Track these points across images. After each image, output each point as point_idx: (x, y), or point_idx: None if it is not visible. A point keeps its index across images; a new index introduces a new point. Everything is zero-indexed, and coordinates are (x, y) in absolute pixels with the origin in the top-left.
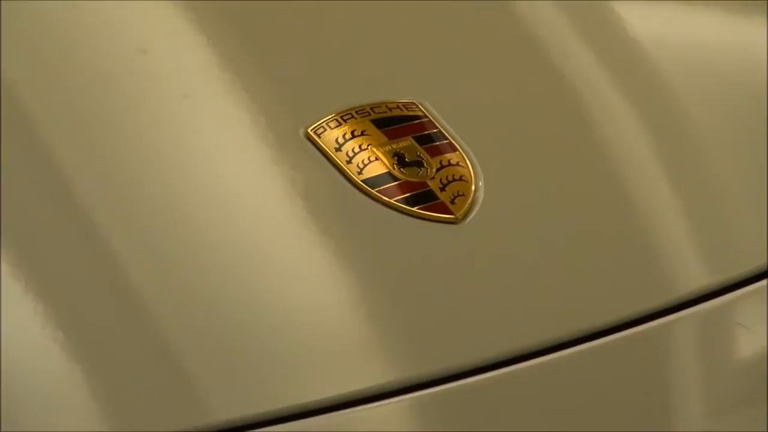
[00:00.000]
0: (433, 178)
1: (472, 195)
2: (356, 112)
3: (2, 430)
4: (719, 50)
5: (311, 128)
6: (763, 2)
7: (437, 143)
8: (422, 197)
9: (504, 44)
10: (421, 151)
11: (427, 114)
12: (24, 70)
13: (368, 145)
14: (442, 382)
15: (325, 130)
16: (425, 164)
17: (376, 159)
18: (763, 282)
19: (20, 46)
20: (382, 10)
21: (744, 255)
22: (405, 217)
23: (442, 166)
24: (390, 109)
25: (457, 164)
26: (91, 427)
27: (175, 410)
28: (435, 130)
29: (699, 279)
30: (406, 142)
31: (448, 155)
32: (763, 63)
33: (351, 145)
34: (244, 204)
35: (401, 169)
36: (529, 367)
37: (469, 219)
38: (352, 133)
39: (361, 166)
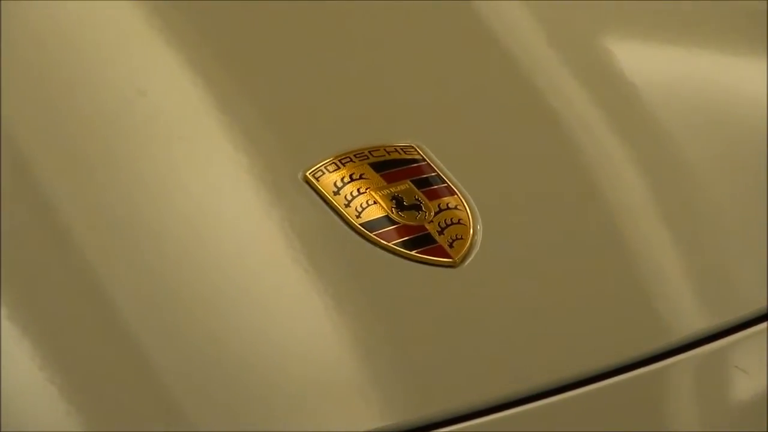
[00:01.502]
0: (432, 221)
1: (470, 238)
2: (354, 155)
3: (2, 430)
4: (717, 91)
5: (309, 171)
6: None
7: (435, 186)
8: (420, 241)
9: (502, 88)
10: (420, 195)
11: (425, 157)
12: (27, 110)
13: (367, 189)
14: (438, 426)
15: (324, 173)
16: (423, 208)
17: (375, 202)
18: (762, 326)
19: (23, 85)
20: (379, 51)
21: (742, 298)
22: (403, 260)
23: (441, 210)
24: (388, 153)
25: (456, 207)
26: None
27: None
28: (433, 174)
29: (696, 323)
30: (405, 186)
31: (447, 198)
32: (763, 103)
33: (349, 189)
34: (243, 246)
35: (400, 213)
36: (526, 411)
37: (467, 263)
38: (350, 176)
39: (360, 209)
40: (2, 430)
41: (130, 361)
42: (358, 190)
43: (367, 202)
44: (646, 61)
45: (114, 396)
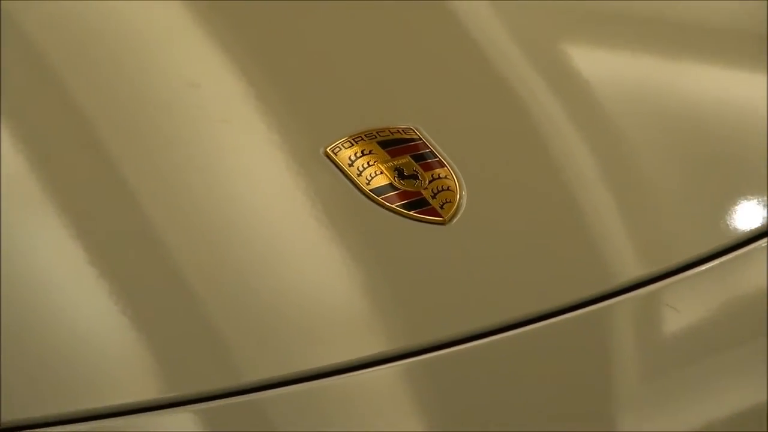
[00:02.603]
0: (426, 188)
1: (457, 202)
2: (365, 135)
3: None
4: (665, 91)
5: (329, 148)
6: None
7: (429, 161)
8: (417, 204)
9: (482, 81)
10: (417, 167)
11: (421, 137)
12: (97, 100)
13: (375, 162)
14: (428, 351)
15: (340, 149)
16: (420, 177)
17: (381, 173)
18: (689, 272)
19: (94, 78)
20: (385, 50)
21: (672, 250)
22: (403, 219)
23: (433, 179)
24: (392, 133)
25: (445, 177)
26: (147, 388)
27: (218, 372)
28: (427, 150)
29: (634, 270)
30: (405, 160)
31: (438, 170)
32: (698, 98)
33: (361, 162)
34: (276, 208)
35: (401, 181)
36: (496, 341)
37: (454, 222)
38: (362, 152)
39: (369, 178)
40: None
41: (194, 298)
42: (367, 162)
43: (375, 172)
44: (608, 64)
45: (178, 324)
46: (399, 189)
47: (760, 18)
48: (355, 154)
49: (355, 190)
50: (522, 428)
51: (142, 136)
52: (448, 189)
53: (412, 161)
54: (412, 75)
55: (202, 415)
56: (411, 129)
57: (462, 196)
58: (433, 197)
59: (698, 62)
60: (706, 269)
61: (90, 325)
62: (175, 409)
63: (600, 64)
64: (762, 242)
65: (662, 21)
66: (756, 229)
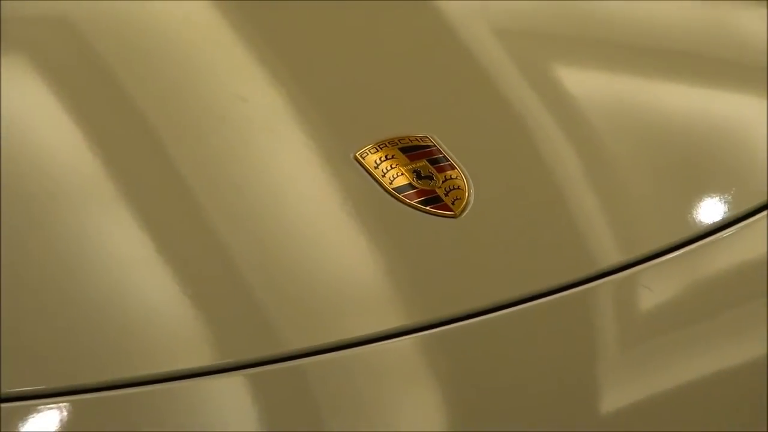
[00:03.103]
0: (440, 187)
1: (466, 199)
2: (388, 142)
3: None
4: (642, 108)
5: (358, 153)
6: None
7: (442, 164)
8: (432, 200)
9: (488, 96)
10: (432, 169)
11: (436, 144)
12: (161, 112)
13: (396, 165)
14: (440, 325)
15: (368, 154)
16: (434, 178)
17: (402, 174)
18: (661, 258)
19: (157, 93)
20: (406, 69)
21: (646, 239)
22: (420, 213)
23: (446, 180)
24: (411, 141)
25: (456, 178)
26: (200, 354)
27: (263, 342)
28: (441, 155)
29: (615, 256)
30: (422, 163)
31: (450, 172)
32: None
33: (385, 165)
34: (314, 203)
35: (418, 181)
36: (498, 316)
37: (463, 216)
38: (385, 156)
39: (392, 178)
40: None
41: (244, 279)
42: (390, 165)
43: (396, 173)
44: (595, 84)
45: (230, 301)
46: (417, 188)
47: (731, 44)
48: (380, 158)
49: (380, 189)
50: (518, 386)
51: (200, 142)
52: (458, 188)
53: (428, 164)
54: (428, 90)
55: (250, 380)
56: (427, 137)
57: (470, 194)
58: (446, 195)
59: (672, 83)
60: (676, 256)
61: (153, 302)
62: (225, 374)
63: (588, 84)
64: (723, 233)
65: (643, 47)
66: (718, 221)
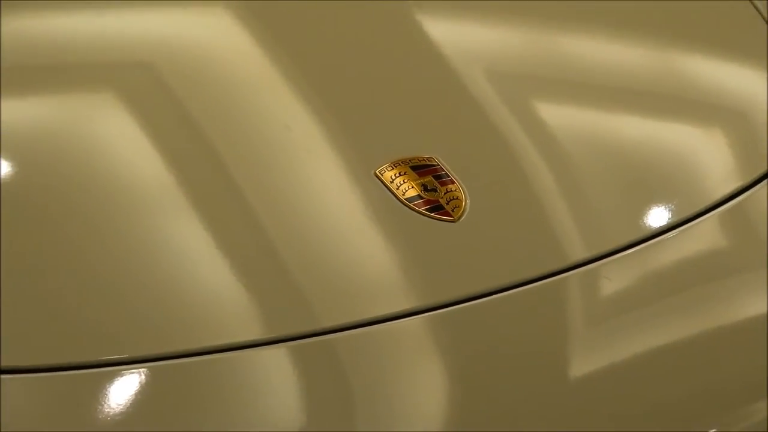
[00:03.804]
0: (442, 198)
1: (462, 208)
2: (401, 161)
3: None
4: (610, 134)
5: (377, 170)
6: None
7: (444, 179)
8: (436, 208)
9: (481, 124)
10: (436, 183)
11: (439, 163)
12: (225, 137)
13: (407, 180)
14: (443, 307)
15: (385, 171)
16: (438, 190)
17: (412, 187)
18: (619, 254)
19: (222, 120)
20: (417, 99)
21: (607, 239)
22: (427, 218)
23: (447, 192)
24: (419, 160)
25: (455, 191)
26: (250, 329)
27: (301, 319)
28: (443, 172)
29: (582, 253)
30: (428, 178)
31: (450, 186)
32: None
33: (399, 179)
34: (343, 210)
35: (425, 193)
36: (488, 301)
37: (461, 221)
38: (399, 173)
39: (404, 191)
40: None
41: (286, 268)
42: (403, 180)
43: (408, 187)
44: (569, 111)
45: (275, 287)
46: (424, 198)
47: (679, 84)
48: (395, 174)
49: (395, 199)
50: (505, 354)
51: (256, 160)
52: (457, 198)
53: (433, 179)
54: (434, 119)
55: (289, 351)
56: (432, 158)
57: (466, 203)
58: (447, 204)
59: (631, 115)
60: (630, 252)
61: (214, 288)
62: (269, 346)
63: (564, 115)
64: (668, 234)
65: (610, 87)
66: (664, 225)
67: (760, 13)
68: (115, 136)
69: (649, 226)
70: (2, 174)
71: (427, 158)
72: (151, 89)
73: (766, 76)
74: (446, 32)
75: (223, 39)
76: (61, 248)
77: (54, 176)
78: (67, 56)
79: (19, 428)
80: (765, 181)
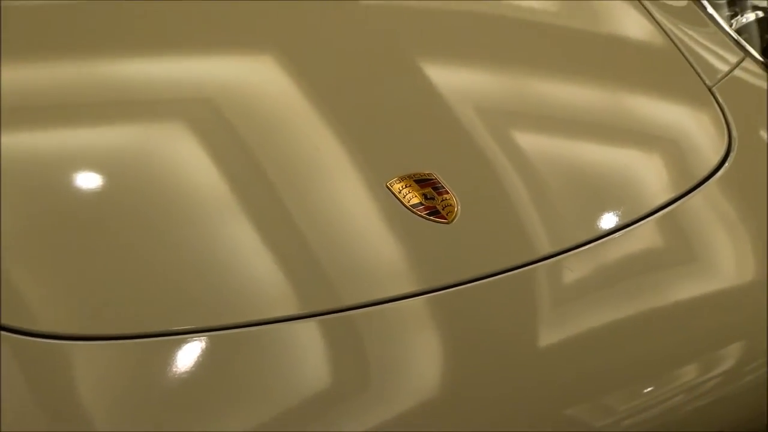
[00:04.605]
0: (439, 204)
1: (455, 213)
2: (407, 176)
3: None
4: (574, 153)
5: (388, 183)
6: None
7: (440, 190)
8: (434, 213)
9: (471, 147)
10: (434, 194)
11: (437, 178)
12: (263, 154)
13: (412, 190)
14: (439, 290)
15: (394, 183)
16: (436, 199)
17: (415, 196)
18: (579, 249)
19: (267, 144)
20: (420, 127)
21: (569, 236)
22: (426, 221)
23: (443, 200)
24: (421, 175)
25: (450, 199)
26: (285, 306)
27: (325, 298)
28: (440, 185)
29: (548, 248)
30: (428, 189)
31: (445, 195)
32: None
33: (405, 190)
34: (361, 213)
35: (426, 201)
36: (476, 285)
37: (453, 223)
38: (405, 185)
39: (409, 199)
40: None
41: (316, 259)
42: (408, 191)
43: (412, 196)
44: (539, 133)
45: (306, 272)
46: (425, 205)
47: (626, 115)
48: (402, 186)
49: (402, 205)
50: (489, 329)
51: (293, 174)
52: (450, 205)
53: (432, 190)
54: (433, 143)
55: (318, 324)
56: (431, 173)
57: (458, 209)
58: (443, 209)
59: (591, 140)
60: (588, 248)
61: (258, 273)
62: (303, 320)
63: (535, 138)
64: (616, 234)
65: (571, 118)
66: (614, 227)
67: (687, 59)
68: (187, 156)
69: (601, 227)
70: (107, 185)
71: (427, 173)
72: (214, 119)
73: (689, 111)
74: (443, 77)
75: (267, 80)
76: (148, 244)
77: (145, 185)
78: (151, 94)
79: (101, 386)
80: (691, 193)
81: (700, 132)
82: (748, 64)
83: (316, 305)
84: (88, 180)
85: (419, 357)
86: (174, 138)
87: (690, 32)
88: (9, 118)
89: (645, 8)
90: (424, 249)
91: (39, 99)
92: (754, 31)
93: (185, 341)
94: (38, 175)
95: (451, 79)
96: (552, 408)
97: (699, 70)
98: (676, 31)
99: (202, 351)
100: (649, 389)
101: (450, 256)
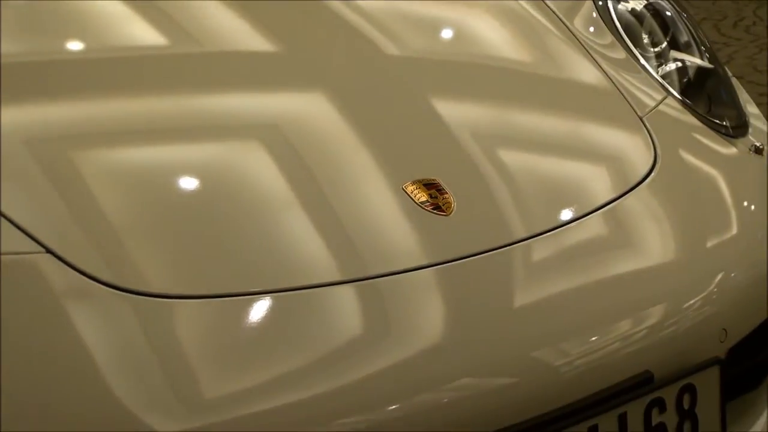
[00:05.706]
0: (441, 202)
1: (453, 208)
2: (417, 181)
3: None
4: (550, 164)
5: (403, 186)
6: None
7: (442, 191)
8: (437, 208)
9: (466, 158)
10: (437, 194)
11: (440, 182)
12: (311, 161)
13: (421, 191)
14: (442, 263)
15: (408, 186)
16: (438, 198)
17: (423, 196)
18: (548, 233)
19: (310, 156)
20: (426, 142)
21: (536, 224)
22: (431, 214)
23: (444, 199)
24: (428, 180)
25: (449, 198)
26: (326, 273)
27: (354, 268)
28: (442, 187)
29: (522, 232)
30: (433, 191)
31: (446, 195)
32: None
33: (416, 191)
34: (383, 209)
35: (431, 199)
36: (470, 260)
37: (451, 215)
38: (416, 187)
39: (419, 197)
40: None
41: (347, 241)
42: (418, 191)
43: (421, 195)
44: (522, 144)
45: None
46: (430, 202)
47: (584, 134)
48: (414, 188)
49: (413, 202)
50: (478, 299)
51: (331, 179)
52: (449, 203)
53: (436, 191)
54: (436, 156)
55: (353, 289)
56: (435, 179)
57: (455, 205)
58: (443, 205)
59: (552, 153)
60: (551, 233)
61: (305, 249)
62: (340, 284)
63: (514, 153)
64: (572, 224)
65: (546, 132)
66: (571, 217)
67: (624, 96)
68: (261, 165)
69: (561, 219)
70: (205, 184)
71: (432, 179)
72: (280, 139)
73: (625, 134)
74: (445, 109)
75: (319, 112)
76: (231, 229)
77: (231, 186)
78: (234, 121)
79: (199, 333)
80: (627, 194)
81: (633, 149)
82: (669, 101)
83: (351, 274)
84: (191, 182)
85: (429, 312)
86: (250, 151)
87: (627, 76)
88: (132, 140)
89: (593, 58)
90: (430, 234)
91: (159, 123)
92: (675, 77)
93: (258, 299)
94: (159, 176)
95: (451, 110)
96: (523, 349)
97: (633, 105)
98: (617, 76)
99: (270, 306)
100: (595, 338)
101: (449, 239)
